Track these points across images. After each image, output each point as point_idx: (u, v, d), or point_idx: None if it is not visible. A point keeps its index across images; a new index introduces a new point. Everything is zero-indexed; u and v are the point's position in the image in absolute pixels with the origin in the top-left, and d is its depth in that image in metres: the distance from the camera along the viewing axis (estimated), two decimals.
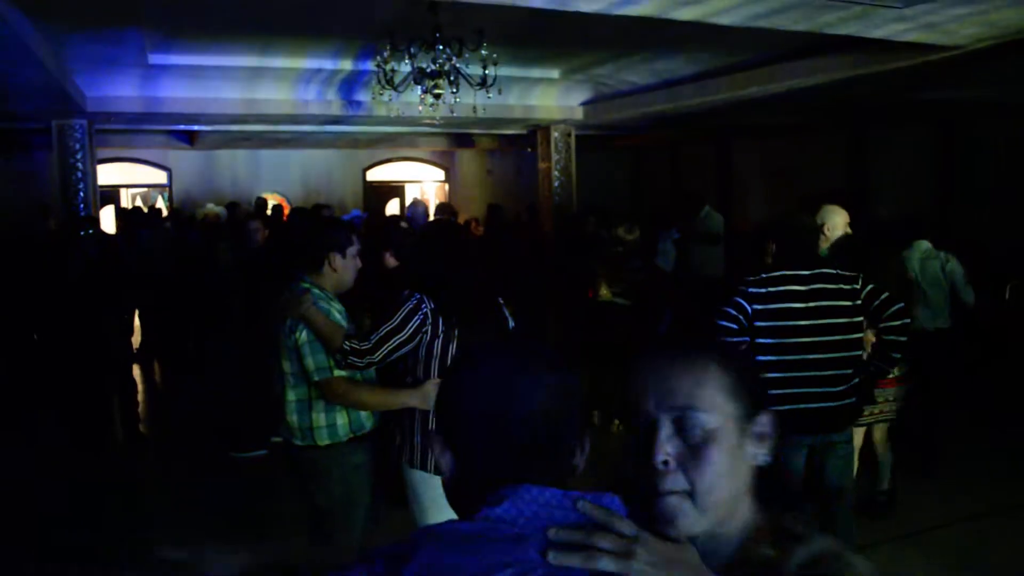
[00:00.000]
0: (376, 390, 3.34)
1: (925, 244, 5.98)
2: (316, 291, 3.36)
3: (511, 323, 3.46)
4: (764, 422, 1.24)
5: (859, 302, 3.68)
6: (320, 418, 3.34)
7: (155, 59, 8.21)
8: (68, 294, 6.31)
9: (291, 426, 3.39)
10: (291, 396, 3.37)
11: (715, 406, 1.19)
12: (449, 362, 3.15)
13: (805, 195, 9.60)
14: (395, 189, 18.98)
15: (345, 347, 3.17)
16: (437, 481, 3.14)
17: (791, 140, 15.84)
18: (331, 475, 3.40)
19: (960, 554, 4.64)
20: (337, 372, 3.27)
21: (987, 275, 7.66)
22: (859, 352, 3.73)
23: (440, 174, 19.50)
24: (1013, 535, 4.82)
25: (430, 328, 3.15)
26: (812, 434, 3.67)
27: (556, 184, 13.38)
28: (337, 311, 3.39)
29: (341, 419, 3.36)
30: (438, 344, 3.17)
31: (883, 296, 3.69)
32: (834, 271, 3.77)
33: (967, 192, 13.08)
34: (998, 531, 4.91)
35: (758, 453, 1.24)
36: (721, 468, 1.17)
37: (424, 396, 3.14)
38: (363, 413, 3.39)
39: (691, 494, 1.16)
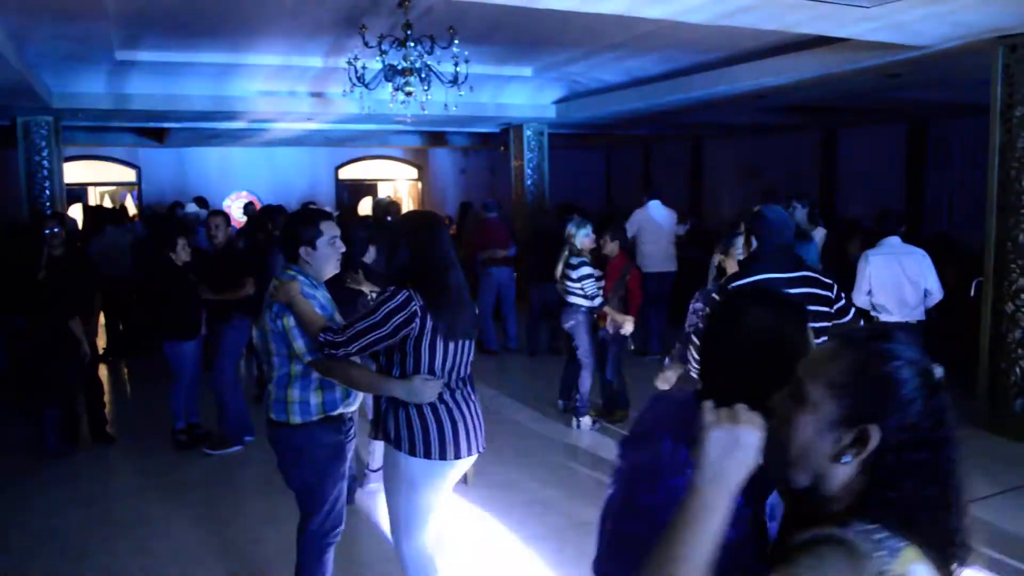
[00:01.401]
0: (367, 371, 3.34)
1: (896, 240, 6.14)
2: (303, 278, 3.42)
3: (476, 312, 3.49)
4: (861, 435, 1.33)
5: (832, 309, 3.78)
6: (294, 394, 3.38)
7: (123, 55, 8.11)
8: (35, 293, 6.22)
9: (269, 398, 3.46)
10: (273, 373, 3.44)
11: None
12: (435, 357, 3.19)
13: (767, 189, 9.66)
14: (368, 187, 18.91)
15: (321, 338, 3.19)
16: (422, 464, 3.20)
17: (762, 138, 15.98)
18: (302, 454, 3.42)
19: None
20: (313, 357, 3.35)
21: (954, 272, 7.78)
22: None
23: (413, 172, 19.45)
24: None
25: (418, 323, 3.13)
26: None
27: (529, 182, 13.40)
28: (322, 298, 3.45)
29: (315, 398, 3.39)
30: (426, 340, 3.15)
31: (841, 303, 3.84)
32: (815, 274, 3.84)
33: (936, 190, 13.24)
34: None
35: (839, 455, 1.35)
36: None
37: (410, 390, 3.15)
38: (338, 395, 3.41)
39: None
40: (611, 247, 6.93)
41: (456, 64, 7.08)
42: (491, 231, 10.05)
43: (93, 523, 5.17)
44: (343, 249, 3.58)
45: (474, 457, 3.35)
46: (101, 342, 9.12)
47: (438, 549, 3.49)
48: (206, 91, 9.93)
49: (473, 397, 3.37)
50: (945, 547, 1.32)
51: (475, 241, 10.22)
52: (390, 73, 7.22)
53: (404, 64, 7.09)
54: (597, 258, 6.90)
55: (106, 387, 7.51)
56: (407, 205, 18.81)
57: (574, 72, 10.08)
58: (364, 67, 7.25)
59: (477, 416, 3.34)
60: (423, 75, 7.19)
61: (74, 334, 6.30)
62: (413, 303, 3.11)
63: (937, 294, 6.11)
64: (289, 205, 11.62)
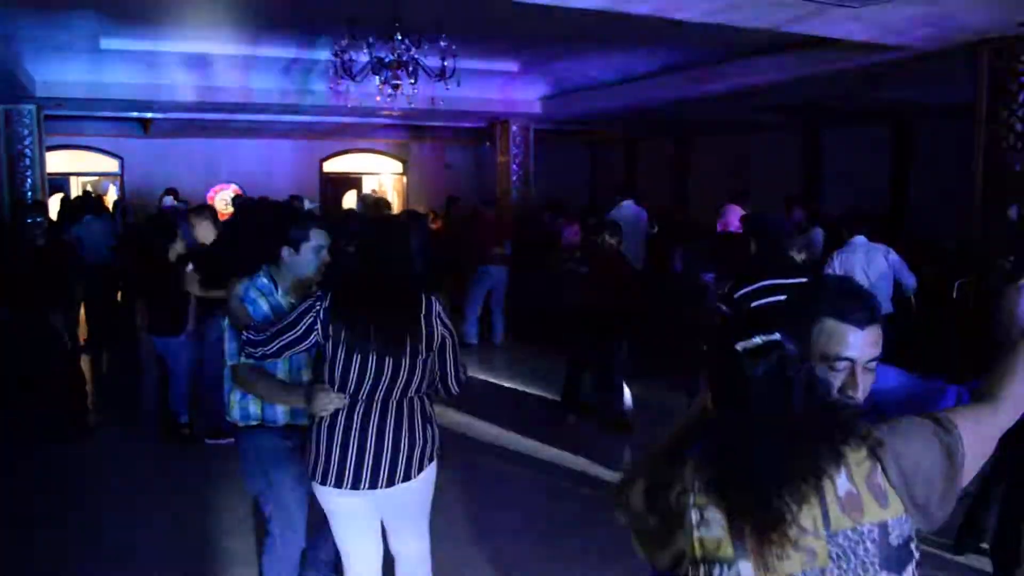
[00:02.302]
0: (273, 385, 3.20)
1: (861, 239, 6.32)
2: (262, 282, 3.33)
3: (439, 311, 3.05)
4: None
5: None
6: (235, 397, 3.35)
7: (107, 44, 8.05)
8: (17, 283, 6.17)
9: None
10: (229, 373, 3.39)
11: None
12: (336, 367, 2.94)
13: (742, 191, 9.64)
14: (352, 181, 18.85)
15: (243, 337, 3.11)
16: (324, 492, 2.99)
17: (748, 137, 16.02)
18: (247, 457, 3.41)
19: None
20: (243, 360, 3.21)
21: (937, 273, 7.83)
22: None
23: (398, 166, 19.40)
24: None
25: (320, 328, 2.95)
26: None
27: (514, 178, 13.40)
28: (273, 304, 3.31)
29: (254, 406, 3.33)
30: (329, 346, 2.95)
31: None
32: (806, 280, 3.84)
33: (920, 190, 13.32)
34: None
35: None
36: None
37: (310, 400, 2.95)
38: (278, 406, 3.30)
39: None
40: (611, 243, 6.84)
41: (443, 59, 7.07)
42: (490, 227, 10.02)
43: (73, 514, 5.13)
44: (327, 260, 3.40)
45: (378, 495, 2.98)
46: (83, 333, 9.04)
47: None
48: (190, 81, 9.87)
49: (394, 430, 2.96)
50: None
51: (472, 237, 10.11)
52: (377, 66, 7.20)
53: (391, 57, 7.07)
54: (593, 254, 6.86)
55: (88, 378, 7.44)
56: (391, 199, 18.76)
57: (560, 68, 10.08)
58: (351, 60, 7.22)
59: (379, 450, 2.93)
60: (410, 69, 7.17)
61: (55, 327, 6.25)
62: (318, 304, 2.95)
63: (910, 283, 6.29)
64: (274, 197, 11.58)
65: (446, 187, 17.71)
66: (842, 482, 1.53)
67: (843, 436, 1.56)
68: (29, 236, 6.50)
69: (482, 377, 8.21)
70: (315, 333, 2.96)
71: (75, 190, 16.46)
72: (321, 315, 2.94)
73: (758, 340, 1.58)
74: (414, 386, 2.98)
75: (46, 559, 4.54)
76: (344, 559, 3.17)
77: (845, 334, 1.77)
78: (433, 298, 3.03)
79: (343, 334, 2.91)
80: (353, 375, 2.92)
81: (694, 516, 1.58)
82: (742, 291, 3.71)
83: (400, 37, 6.85)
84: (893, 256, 6.26)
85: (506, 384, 8.08)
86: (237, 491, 5.33)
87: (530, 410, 7.29)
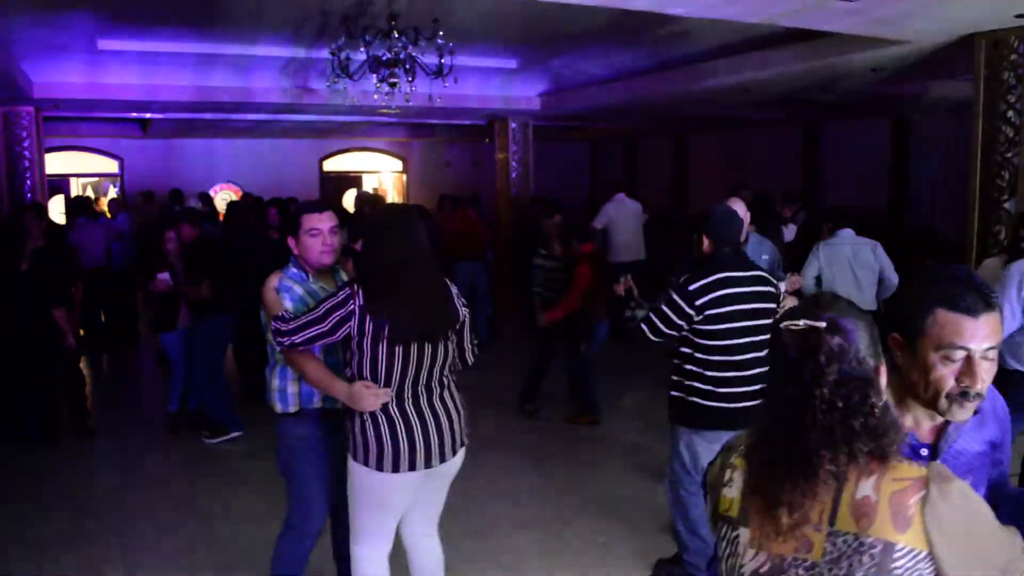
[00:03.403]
0: (320, 368, 3.21)
1: (849, 232, 6.31)
2: (292, 271, 3.42)
3: (462, 308, 3.24)
4: None
5: (777, 305, 3.85)
6: (275, 382, 3.40)
7: (104, 44, 8.03)
8: (17, 284, 6.17)
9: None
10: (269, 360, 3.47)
11: None
12: (379, 361, 2.98)
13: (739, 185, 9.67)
14: (352, 179, 18.85)
15: (272, 326, 3.16)
16: (364, 472, 3.07)
17: (746, 133, 16.02)
18: (281, 442, 3.47)
19: None
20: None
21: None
22: None
23: (398, 164, 19.40)
24: None
25: (355, 323, 2.97)
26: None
27: (513, 175, 13.39)
28: (305, 290, 3.37)
29: (292, 388, 3.38)
30: (367, 342, 2.98)
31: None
32: (764, 272, 3.93)
33: (919, 184, 13.32)
34: None
35: None
36: None
37: (350, 395, 3.03)
38: (316, 390, 3.35)
39: None
40: (577, 247, 6.84)
41: (441, 56, 7.05)
42: (468, 223, 10.05)
43: (75, 514, 5.14)
44: (337, 244, 3.44)
45: (441, 468, 3.16)
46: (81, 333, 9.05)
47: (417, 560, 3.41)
48: (188, 81, 9.86)
49: (442, 405, 3.14)
50: None
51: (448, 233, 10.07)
52: (374, 64, 7.19)
53: (388, 55, 7.06)
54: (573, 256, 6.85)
55: (87, 379, 7.45)
56: (391, 197, 18.77)
57: (559, 65, 10.07)
58: (348, 58, 7.21)
59: (439, 427, 3.10)
60: (407, 66, 7.16)
61: (58, 325, 6.27)
62: (351, 302, 2.96)
63: (893, 282, 6.26)
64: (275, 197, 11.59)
65: (446, 185, 17.71)
66: (864, 486, 1.49)
67: (867, 442, 1.51)
68: (30, 237, 6.53)
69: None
70: (346, 328, 2.98)
71: (75, 191, 16.48)
72: (357, 312, 2.96)
73: (801, 323, 1.57)
74: (448, 365, 3.17)
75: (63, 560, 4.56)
76: (371, 532, 3.20)
77: (958, 323, 1.72)
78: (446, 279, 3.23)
79: (385, 329, 2.96)
80: (397, 367, 3.00)
81: (727, 474, 1.68)
82: (695, 284, 3.75)
83: (397, 35, 6.84)
84: (880, 252, 6.24)
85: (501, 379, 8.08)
86: (242, 488, 5.35)
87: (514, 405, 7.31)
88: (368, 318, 2.95)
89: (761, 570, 1.58)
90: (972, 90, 6.49)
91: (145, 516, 5.15)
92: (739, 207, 5.12)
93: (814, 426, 1.52)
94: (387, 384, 3.01)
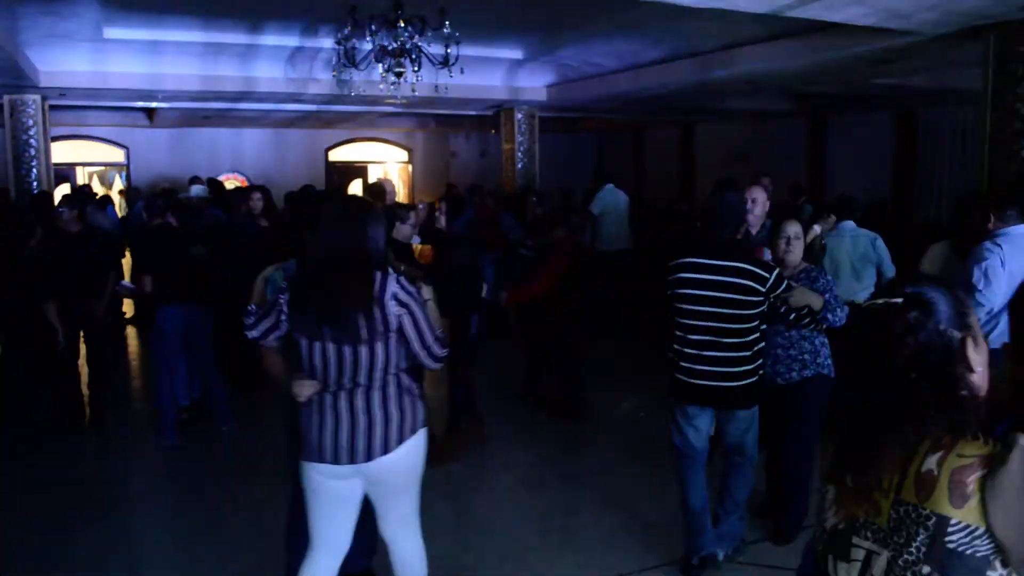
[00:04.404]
0: (277, 363, 3.20)
1: (851, 224, 6.34)
2: (289, 265, 3.47)
3: (396, 292, 2.96)
4: None
5: (761, 298, 3.84)
6: None
7: (111, 33, 8.04)
8: (20, 277, 6.16)
9: None
10: None
11: None
12: (303, 354, 2.99)
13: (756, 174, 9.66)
14: (358, 170, 18.84)
15: (244, 318, 3.19)
16: (309, 468, 3.06)
17: (753, 125, 15.97)
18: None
19: None
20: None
21: None
22: (756, 337, 3.94)
23: (403, 155, 19.37)
24: None
25: (278, 316, 3.04)
26: (713, 407, 4.06)
27: (519, 166, 13.37)
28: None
29: None
30: (296, 335, 3.02)
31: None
32: (740, 265, 3.85)
33: (925, 177, 13.27)
34: None
35: None
36: None
37: (291, 385, 3.04)
38: None
39: None
40: (559, 236, 6.71)
41: (447, 46, 7.04)
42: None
43: (83, 502, 5.16)
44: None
45: (370, 468, 3.01)
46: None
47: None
48: (194, 70, 9.86)
49: (365, 405, 2.98)
50: None
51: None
52: (380, 54, 7.18)
53: (394, 45, 7.04)
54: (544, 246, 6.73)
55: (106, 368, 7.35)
56: (397, 187, 18.74)
57: (565, 56, 10.05)
58: (354, 48, 7.20)
59: (354, 425, 2.97)
60: (413, 56, 7.15)
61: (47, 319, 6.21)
62: (282, 296, 3.03)
63: (890, 275, 6.27)
64: (280, 186, 11.62)
65: (451, 175, 17.70)
66: (931, 460, 1.54)
67: (938, 415, 1.55)
68: (61, 224, 6.43)
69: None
70: (282, 319, 3.03)
71: (81, 180, 16.50)
72: (283, 305, 3.01)
73: (880, 302, 1.62)
74: (379, 369, 2.97)
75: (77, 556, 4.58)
76: (313, 538, 3.16)
77: None
78: (391, 277, 2.96)
79: (295, 323, 3.00)
80: (318, 363, 2.97)
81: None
82: (672, 262, 4.01)
83: (403, 24, 6.82)
84: (880, 244, 6.27)
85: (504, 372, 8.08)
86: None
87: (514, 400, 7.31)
88: (292, 315, 3.00)
89: (840, 526, 1.71)
90: (980, 81, 6.46)
91: (153, 504, 5.18)
92: (759, 195, 5.14)
93: (886, 397, 1.59)
94: (312, 376, 3.01)
